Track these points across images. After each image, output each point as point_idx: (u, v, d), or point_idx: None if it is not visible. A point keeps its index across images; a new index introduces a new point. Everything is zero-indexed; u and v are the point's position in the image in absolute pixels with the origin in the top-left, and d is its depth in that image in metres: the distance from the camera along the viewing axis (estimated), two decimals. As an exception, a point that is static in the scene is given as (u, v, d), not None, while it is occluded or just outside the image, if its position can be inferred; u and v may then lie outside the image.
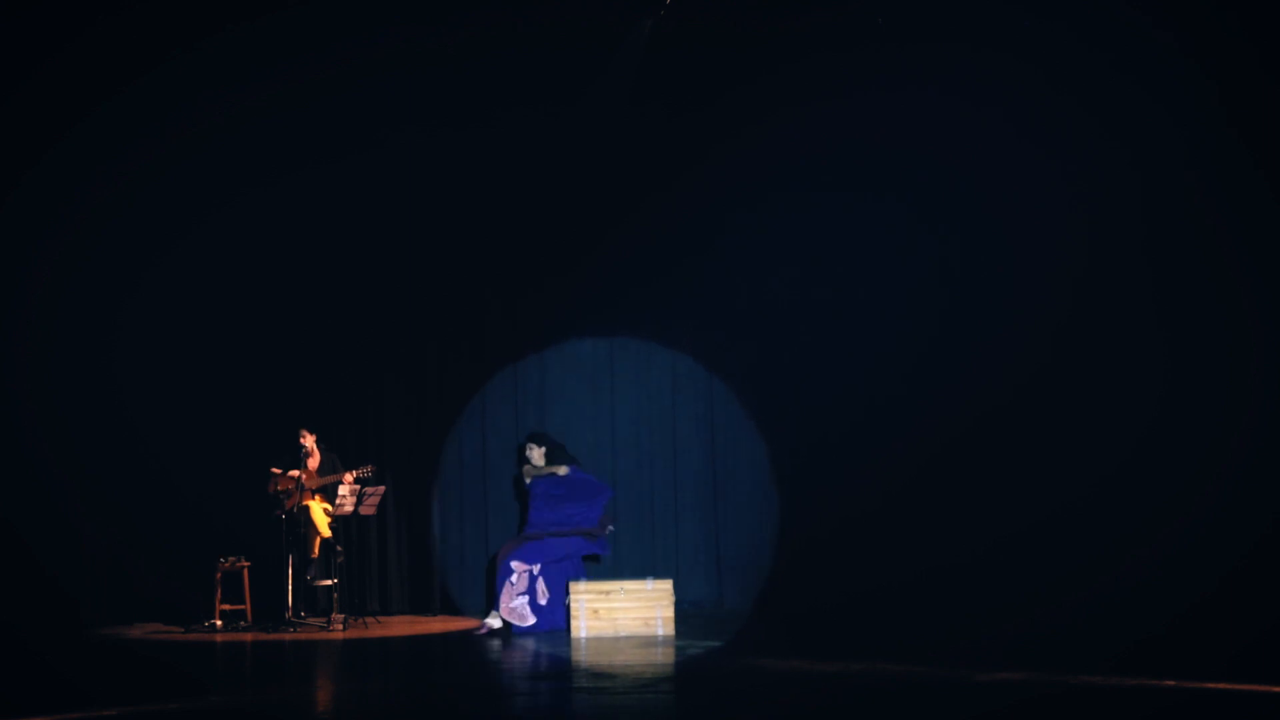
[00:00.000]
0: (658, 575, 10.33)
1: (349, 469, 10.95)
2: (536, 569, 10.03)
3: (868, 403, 11.14)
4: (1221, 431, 9.69)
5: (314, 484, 10.94)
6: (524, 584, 10.00)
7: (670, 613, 9.81)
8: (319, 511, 10.87)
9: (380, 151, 11.81)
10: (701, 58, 11.13)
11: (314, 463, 11.08)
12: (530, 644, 9.56)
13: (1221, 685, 6.69)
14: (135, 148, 11.13)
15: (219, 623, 10.83)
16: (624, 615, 9.78)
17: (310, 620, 10.85)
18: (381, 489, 11.02)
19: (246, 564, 11.04)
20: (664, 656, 8.78)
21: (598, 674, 8.10)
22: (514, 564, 10.03)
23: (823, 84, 10.93)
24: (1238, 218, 9.78)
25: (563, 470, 10.39)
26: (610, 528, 10.49)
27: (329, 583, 11.07)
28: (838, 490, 11.12)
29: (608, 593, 9.81)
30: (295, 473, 10.93)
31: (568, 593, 9.93)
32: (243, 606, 10.97)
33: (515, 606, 10.01)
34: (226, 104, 11.12)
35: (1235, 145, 9.73)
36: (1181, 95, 9.85)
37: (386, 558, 12.02)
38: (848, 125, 10.95)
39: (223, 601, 10.94)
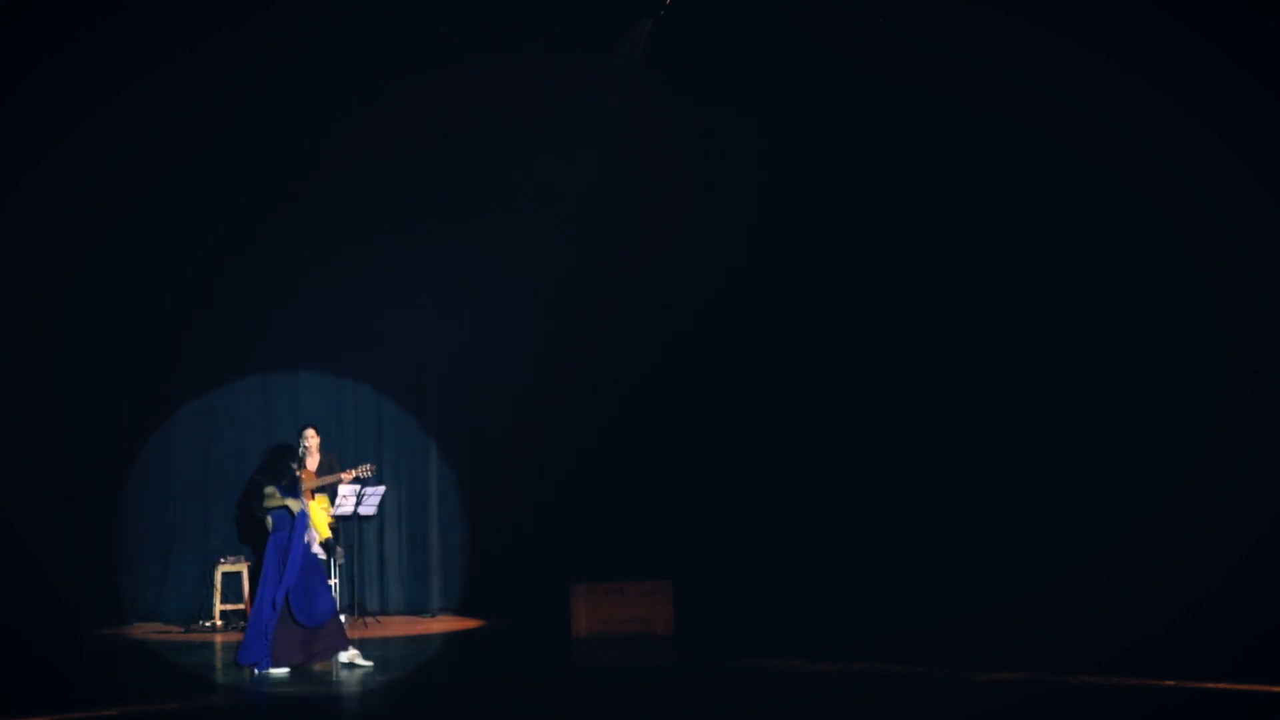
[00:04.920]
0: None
1: (348, 469, 10.94)
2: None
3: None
4: (1222, 432, 9.69)
5: (313, 484, 10.92)
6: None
7: (669, 612, 9.81)
8: (319, 512, 10.84)
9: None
10: None
11: (313, 463, 11.07)
12: (525, 643, 9.55)
13: (1221, 685, 6.70)
14: (135, 148, 11.12)
15: (219, 623, 10.83)
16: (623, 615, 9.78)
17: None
18: (382, 489, 11.02)
19: (246, 564, 11.04)
20: (663, 656, 8.79)
21: (598, 674, 8.11)
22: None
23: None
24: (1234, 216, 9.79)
25: None
26: None
27: (328, 583, 11.04)
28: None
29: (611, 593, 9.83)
30: None
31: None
32: (243, 606, 10.96)
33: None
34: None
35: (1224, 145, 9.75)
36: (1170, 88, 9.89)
37: (385, 558, 12.05)
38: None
39: (223, 601, 10.94)
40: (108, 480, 11.46)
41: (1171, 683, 6.81)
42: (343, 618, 10.56)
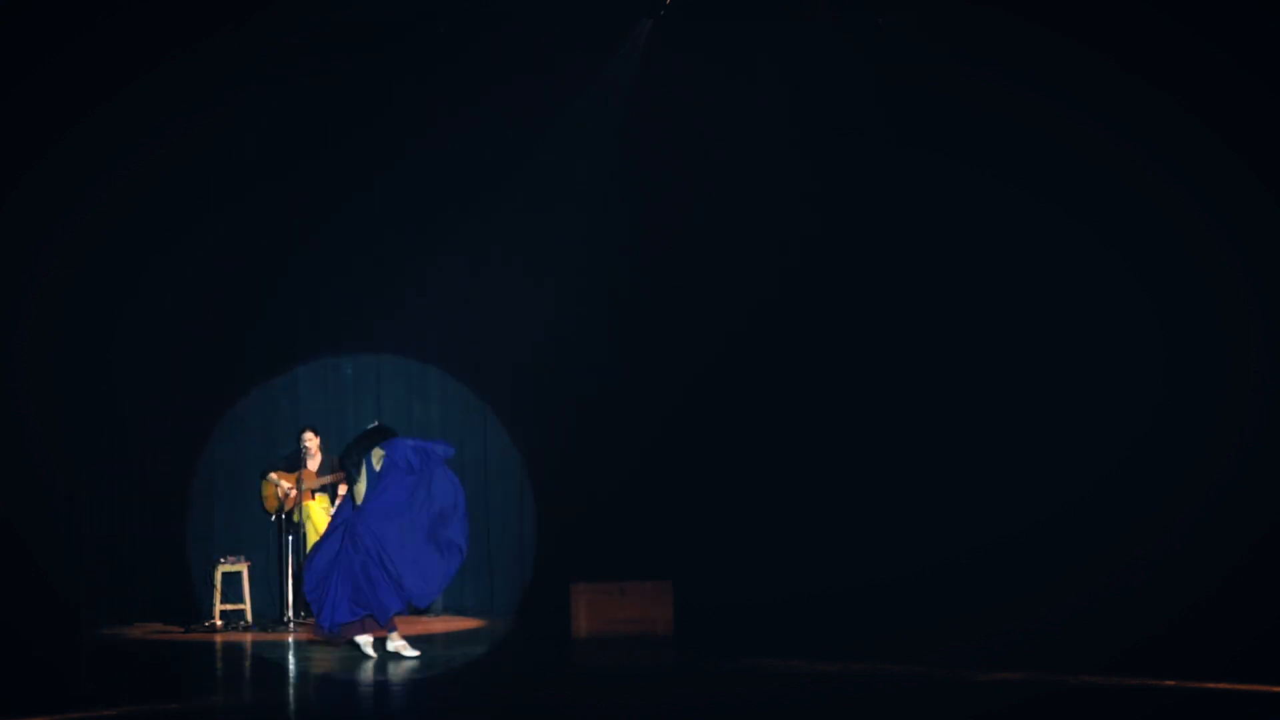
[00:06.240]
0: None
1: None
2: None
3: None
4: (1222, 431, 9.69)
5: (313, 484, 10.94)
6: None
7: (669, 612, 9.81)
8: (319, 511, 10.87)
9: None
10: None
11: (314, 463, 11.09)
12: (525, 643, 9.56)
13: (1221, 685, 6.69)
14: (135, 148, 11.14)
15: (219, 623, 10.83)
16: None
17: (310, 620, 10.85)
18: (381, 489, 11.01)
19: (246, 564, 11.04)
20: (663, 656, 8.79)
21: (598, 674, 8.11)
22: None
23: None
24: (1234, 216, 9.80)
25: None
26: None
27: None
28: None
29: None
30: (290, 481, 10.92)
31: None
32: (242, 606, 10.97)
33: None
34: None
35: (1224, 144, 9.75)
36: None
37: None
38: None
39: (223, 601, 10.94)
40: (108, 480, 11.47)
41: (1171, 683, 6.81)
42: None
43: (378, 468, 8.61)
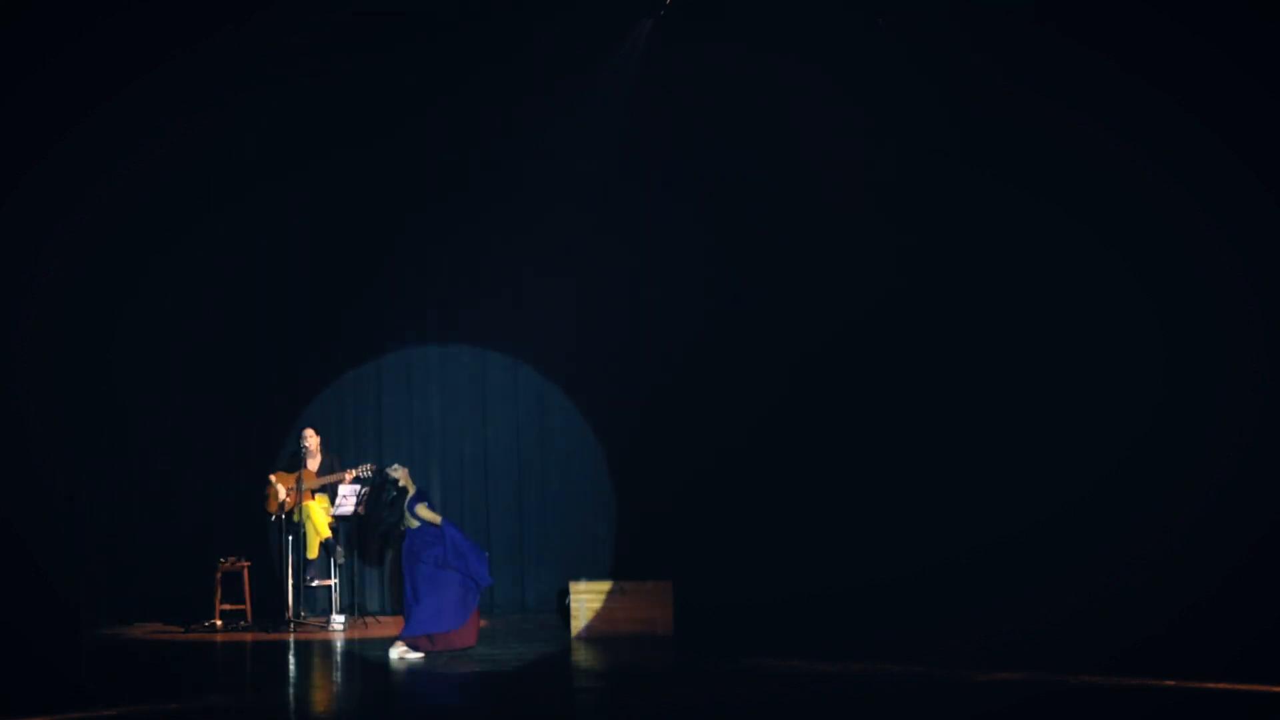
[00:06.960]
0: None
1: (349, 469, 10.94)
2: None
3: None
4: (1221, 432, 9.69)
5: (313, 484, 10.93)
6: None
7: (669, 612, 9.82)
8: (319, 511, 10.87)
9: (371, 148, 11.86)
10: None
11: (314, 463, 11.09)
12: (525, 643, 9.56)
13: (1221, 685, 6.70)
14: (135, 148, 11.14)
15: (219, 623, 10.83)
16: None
17: (310, 620, 10.86)
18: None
19: (246, 564, 11.04)
20: (663, 656, 8.79)
21: (598, 674, 8.11)
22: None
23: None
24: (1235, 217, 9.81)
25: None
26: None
27: (329, 583, 11.07)
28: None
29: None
30: (288, 485, 10.92)
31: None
32: (243, 606, 10.96)
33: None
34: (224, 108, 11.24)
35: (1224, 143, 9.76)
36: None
37: (385, 558, 12.04)
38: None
39: (223, 601, 10.94)
40: (108, 480, 11.47)
41: (1171, 683, 6.81)
42: (341, 618, 10.61)
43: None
